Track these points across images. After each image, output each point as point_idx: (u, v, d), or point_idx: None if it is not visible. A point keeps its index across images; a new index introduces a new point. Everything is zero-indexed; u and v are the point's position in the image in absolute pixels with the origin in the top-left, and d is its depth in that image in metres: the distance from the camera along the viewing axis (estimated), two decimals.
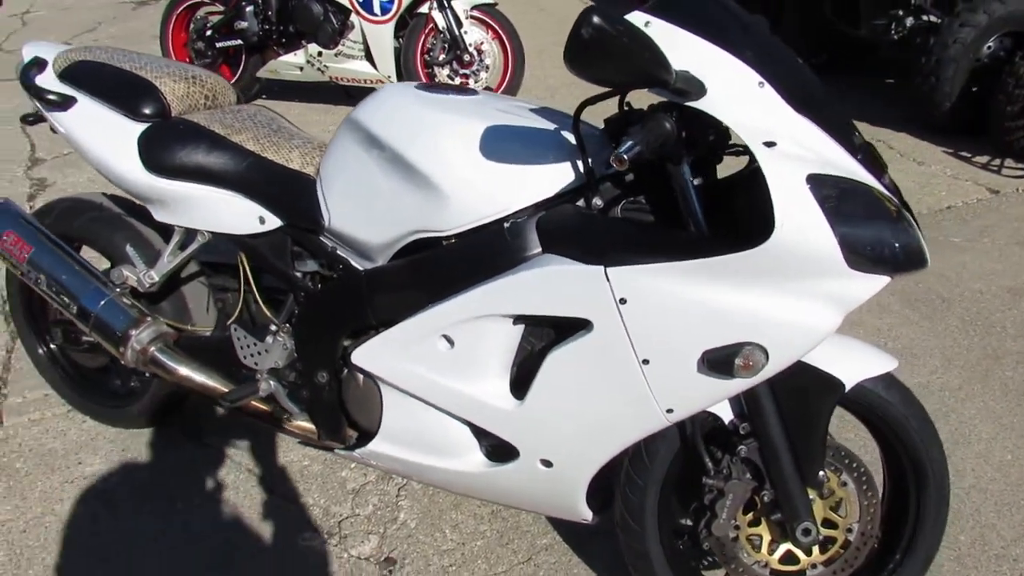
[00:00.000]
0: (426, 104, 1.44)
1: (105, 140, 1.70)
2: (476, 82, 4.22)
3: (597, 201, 1.32)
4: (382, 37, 4.20)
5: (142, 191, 1.71)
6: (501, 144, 1.35)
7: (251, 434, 2.16)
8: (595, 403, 1.33)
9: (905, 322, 2.55)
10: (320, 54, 4.30)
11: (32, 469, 2.11)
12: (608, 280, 1.22)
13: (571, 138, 1.35)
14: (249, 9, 4.38)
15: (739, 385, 1.25)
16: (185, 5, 4.68)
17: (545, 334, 1.39)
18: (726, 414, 1.41)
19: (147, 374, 1.95)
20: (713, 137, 1.21)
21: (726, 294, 1.18)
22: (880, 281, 1.18)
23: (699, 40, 1.16)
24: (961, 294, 2.70)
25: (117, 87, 1.72)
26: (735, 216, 1.28)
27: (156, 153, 1.66)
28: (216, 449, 2.14)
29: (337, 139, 1.55)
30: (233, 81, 4.62)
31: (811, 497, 1.46)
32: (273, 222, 1.63)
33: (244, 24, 4.42)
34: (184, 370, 1.77)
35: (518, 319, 1.36)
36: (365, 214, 1.49)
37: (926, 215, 3.26)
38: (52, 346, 2.19)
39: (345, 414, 1.65)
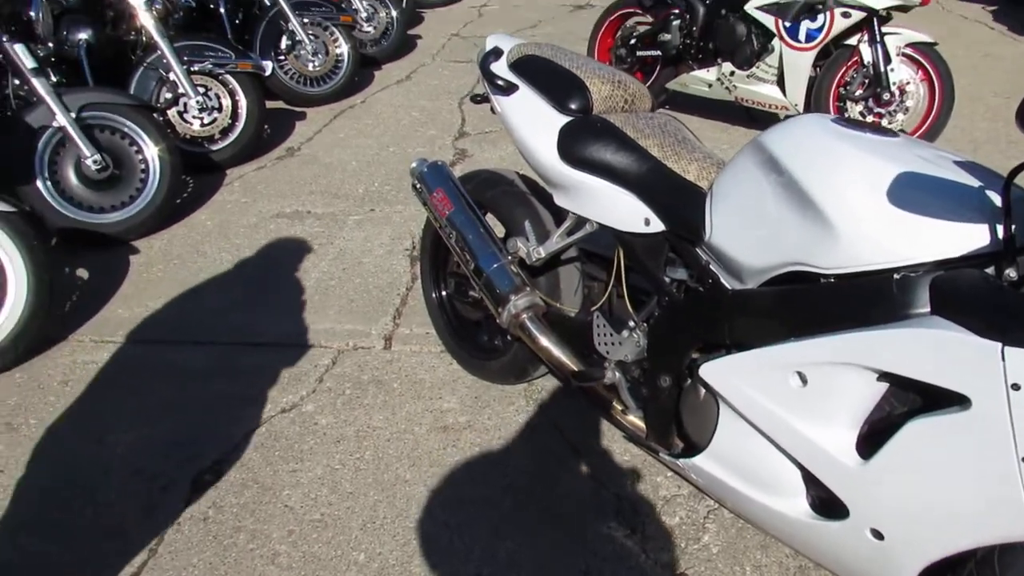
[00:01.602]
0: (838, 138, 1.40)
1: (533, 126, 1.91)
2: (891, 123, 3.93)
3: (1011, 273, 1.19)
4: (800, 65, 4.10)
5: (551, 176, 1.89)
6: (911, 192, 1.28)
7: (583, 418, 2.29)
8: (952, 488, 1.20)
9: None
10: (732, 73, 4.34)
11: (404, 391, 2.47)
12: (1003, 360, 1.09)
13: (995, 200, 1.23)
14: (675, 23, 4.56)
15: None
16: (619, 13, 5.01)
17: (910, 399, 1.29)
18: None
19: (510, 337, 2.17)
20: None
21: None
22: None
23: None
24: None
25: (554, 82, 1.91)
26: None
27: (571, 144, 1.82)
28: (550, 420, 2.31)
29: (738, 158, 1.57)
30: None
31: None
32: (656, 225, 1.71)
33: (667, 37, 4.61)
34: (544, 341, 1.94)
35: (883, 376, 1.28)
36: (747, 235, 1.50)
37: None
38: (444, 293, 2.53)
39: (678, 422, 1.69)
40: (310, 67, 5.12)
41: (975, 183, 1.29)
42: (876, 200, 1.29)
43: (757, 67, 4.24)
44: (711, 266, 1.61)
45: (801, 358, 1.35)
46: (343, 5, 5.75)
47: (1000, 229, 1.19)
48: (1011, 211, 1.17)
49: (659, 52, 4.70)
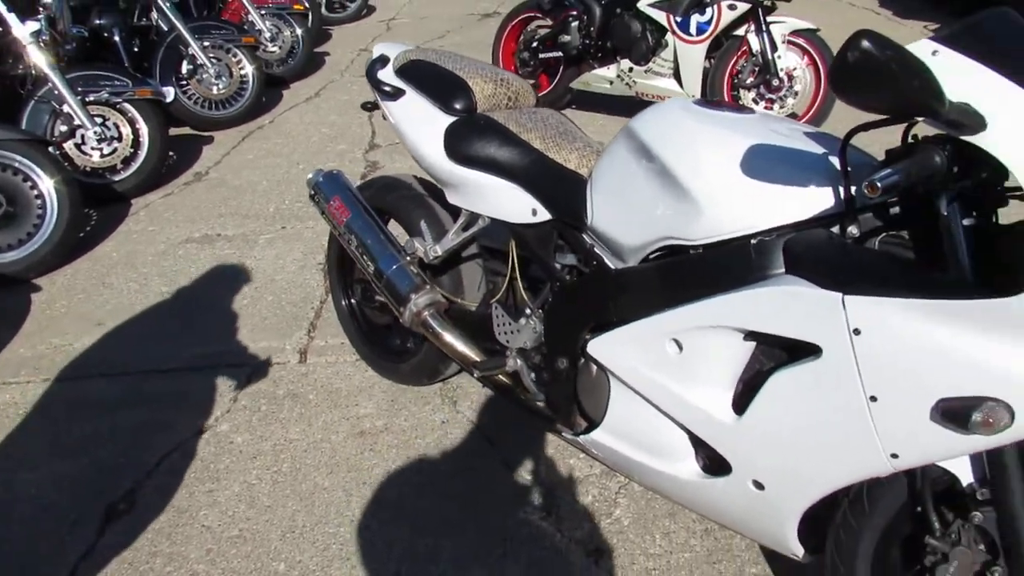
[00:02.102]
0: (697, 118, 1.48)
1: (420, 128, 1.96)
2: (782, 108, 4.11)
3: (853, 230, 1.28)
4: (693, 57, 4.25)
5: (441, 175, 1.94)
6: (762, 162, 1.36)
7: (498, 411, 2.34)
8: (814, 433, 1.29)
9: None
10: (631, 70, 4.46)
11: (320, 402, 2.47)
12: (844, 308, 1.18)
13: (838, 164, 1.32)
14: (574, 25, 4.66)
15: (977, 443, 1.14)
16: (519, 19, 5.10)
17: (776, 355, 1.37)
18: (965, 474, 1.28)
19: (421, 338, 2.20)
20: (986, 175, 1.12)
21: (974, 342, 1.09)
22: None
23: (989, 72, 1.08)
24: None
25: (438, 84, 1.96)
26: (1009, 264, 1.18)
27: (457, 143, 1.88)
28: (466, 416, 2.35)
29: (612, 145, 1.64)
30: (549, 90, 4.95)
31: None
32: (543, 215, 1.77)
33: (567, 38, 4.71)
34: (447, 336, 1.98)
35: (749, 335, 1.36)
36: (624, 217, 1.57)
37: None
38: (352, 300, 2.55)
39: (577, 401, 1.75)
40: (214, 90, 5.07)
41: (820, 150, 1.38)
42: (732, 172, 1.37)
43: (654, 62, 4.37)
44: (595, 249, 1.68)
45: (675, 326, 1.42)
46: (245, 26, 5.71)
47: (842, 190, 1.28)
48: (849, 173, 1.26)
49: (561, 53, 4.80)
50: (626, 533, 1.91)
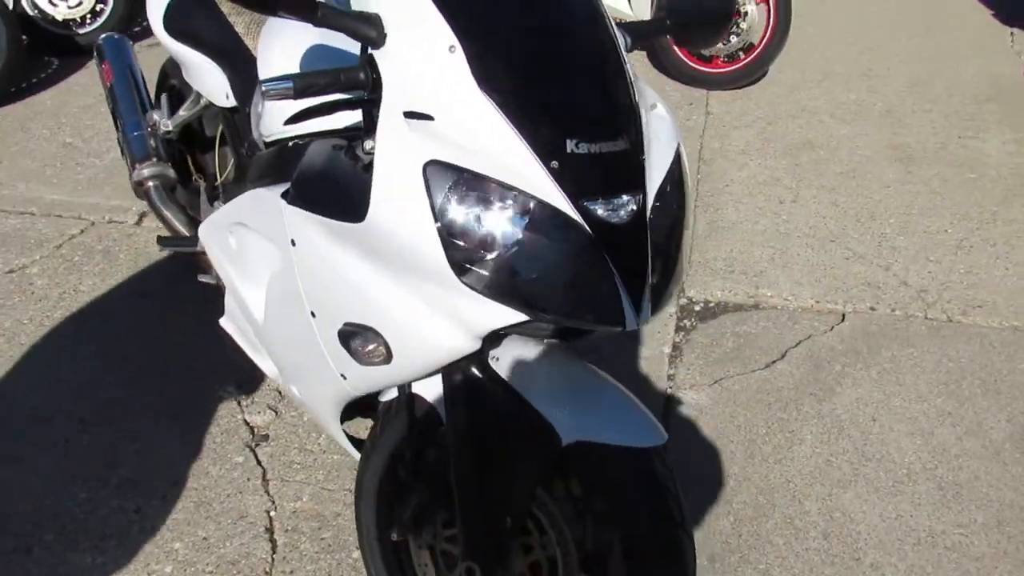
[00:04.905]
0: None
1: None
2: (724, 43, 3.76)
3: (368, 143, 1.24)
4: None
5: (166, 48, 1.96)
6: (320, 66, 1.32)
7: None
8: (296, 343, 1.29)
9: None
10: None
11: (127, 261, 2.59)
12: (284, 216, 1.17)
13: None
14: None
15: (377, 374, 1.12)
16: None
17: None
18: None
19: None
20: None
21: (358, 267, 1.06)
22: (511, 314, 0.97)
23: None
24: None
25: None
26: None
27: (172, 16, 1.89)
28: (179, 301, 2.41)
29: None
30: None
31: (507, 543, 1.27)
32: (232, 100, 1.78)
33: None
34: (163, 210, 2.03)
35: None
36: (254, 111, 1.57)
37: None
38: None
39: None
40: None
41: None
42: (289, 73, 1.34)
43: None
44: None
45: (228, 219, 1.44)
46: None
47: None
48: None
49: None
50: (297, 422, 1.97)
